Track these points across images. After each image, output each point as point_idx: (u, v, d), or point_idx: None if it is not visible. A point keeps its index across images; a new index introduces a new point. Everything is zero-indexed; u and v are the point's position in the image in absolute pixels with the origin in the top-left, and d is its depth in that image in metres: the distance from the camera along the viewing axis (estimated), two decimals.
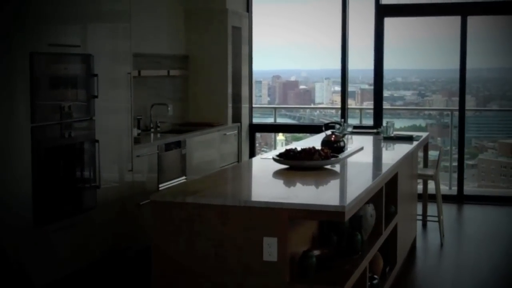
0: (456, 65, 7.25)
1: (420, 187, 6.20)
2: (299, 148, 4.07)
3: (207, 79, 7.25)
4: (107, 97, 4.84)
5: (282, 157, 4.03)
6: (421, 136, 5.80)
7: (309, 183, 3.62)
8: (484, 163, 7.74)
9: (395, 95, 8.40)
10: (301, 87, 9.24)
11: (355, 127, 6.50)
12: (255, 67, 7.99)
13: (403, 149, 5.15)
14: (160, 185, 5.58)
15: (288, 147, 4.60)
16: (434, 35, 8.09)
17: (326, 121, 8.56)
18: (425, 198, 6.31)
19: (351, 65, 7.59)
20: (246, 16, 7.73)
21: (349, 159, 4.46)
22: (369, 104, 8.08)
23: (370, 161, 4.53)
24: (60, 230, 4.28)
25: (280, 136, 8.48)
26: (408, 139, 5.57)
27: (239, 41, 7.57)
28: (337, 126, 6.11)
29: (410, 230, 5.32)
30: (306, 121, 8.96)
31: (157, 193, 3.21)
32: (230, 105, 7.31)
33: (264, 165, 4.13)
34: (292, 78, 9.25)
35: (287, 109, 9.32)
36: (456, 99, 7.49)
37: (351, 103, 8.16)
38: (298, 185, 3.62)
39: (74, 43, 4.46)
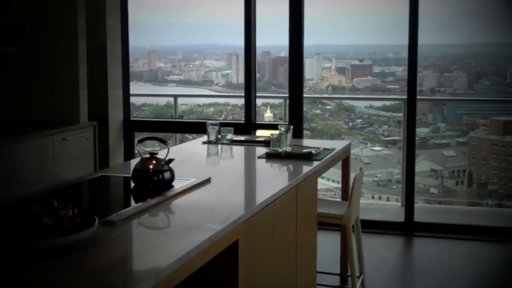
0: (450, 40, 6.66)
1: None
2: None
3: (52, 59, 5.13)
4: None
5: None
6: (330, 151, 3.70)
7: None
8: (475, 141, 7.33)
9: (386, 71, 8.00)
10: None
11: (236, 129, 4.35)
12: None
13: (284, 178, 3.10)
14: None
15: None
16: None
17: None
18: (345, 252, 4.11)
19: (340, 41, 7.03)
20: None
21: (164, 211, 2.40)
22: (359, 81, 7.79)
23: (194, 219, 2.44)
24: None
25: (268, 113, 7.24)
26: (305, 157, 3.49)
27: (102, 9, 5.42)
28: (213, 130, 4.07)
29: None
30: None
31: None
32: (84, 91, 5.16)
33: None
34: (282, 54, 8.73)
35: (277, 86, 8.59)
36: (448, 75, 7.07)
37: (342, 80, 7.79)
38: None
39: None
